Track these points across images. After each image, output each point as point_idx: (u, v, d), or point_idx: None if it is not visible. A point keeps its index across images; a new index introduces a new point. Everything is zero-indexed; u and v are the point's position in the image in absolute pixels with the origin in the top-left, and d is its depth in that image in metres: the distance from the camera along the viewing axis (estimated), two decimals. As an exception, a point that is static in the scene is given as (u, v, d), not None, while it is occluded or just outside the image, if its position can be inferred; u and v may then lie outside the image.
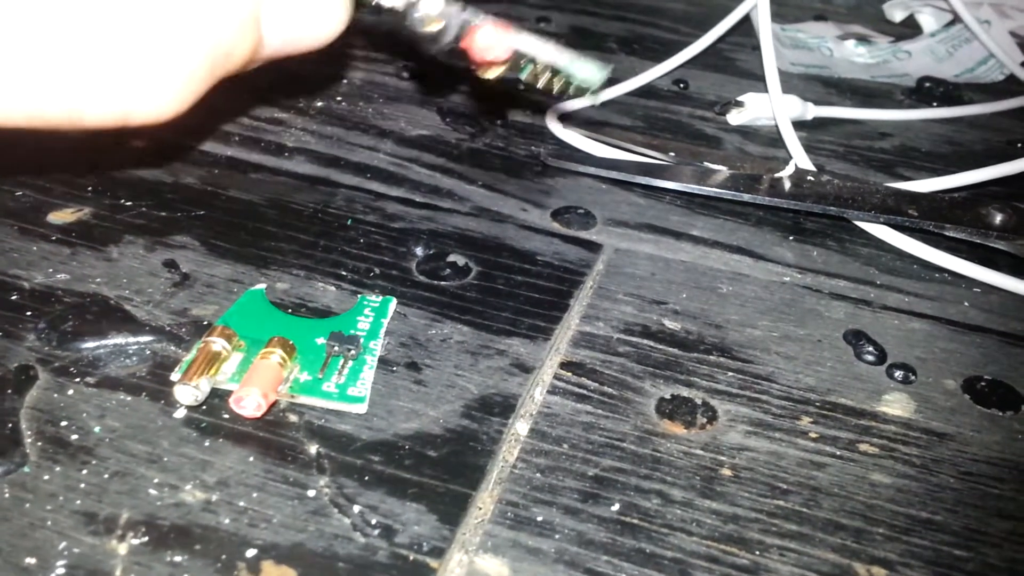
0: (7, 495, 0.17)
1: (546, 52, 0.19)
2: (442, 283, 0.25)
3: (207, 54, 0.17)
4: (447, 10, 0.18)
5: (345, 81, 0.37)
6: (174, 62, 0.16)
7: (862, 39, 0.45)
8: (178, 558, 0.16)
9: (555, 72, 0.20)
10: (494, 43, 0.19)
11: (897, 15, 0.50)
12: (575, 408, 0.21)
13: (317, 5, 0.19)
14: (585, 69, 0.20)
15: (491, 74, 0.19)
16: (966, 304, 0.27)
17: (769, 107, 0.35)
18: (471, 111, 0.36)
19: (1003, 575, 0.18)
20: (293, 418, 0.20)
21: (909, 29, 0.49)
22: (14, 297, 0.22)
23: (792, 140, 0.33)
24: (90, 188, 0.27)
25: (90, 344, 0.21)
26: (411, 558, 0.17)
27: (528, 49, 0.19)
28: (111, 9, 0.15)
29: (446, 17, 0.18)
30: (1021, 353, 0.25)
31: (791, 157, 0.33)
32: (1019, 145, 0.38)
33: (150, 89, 0.16)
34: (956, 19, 0.43)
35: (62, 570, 0.16)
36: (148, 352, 0.21)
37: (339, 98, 0.35)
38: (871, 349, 0.24)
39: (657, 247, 0.28)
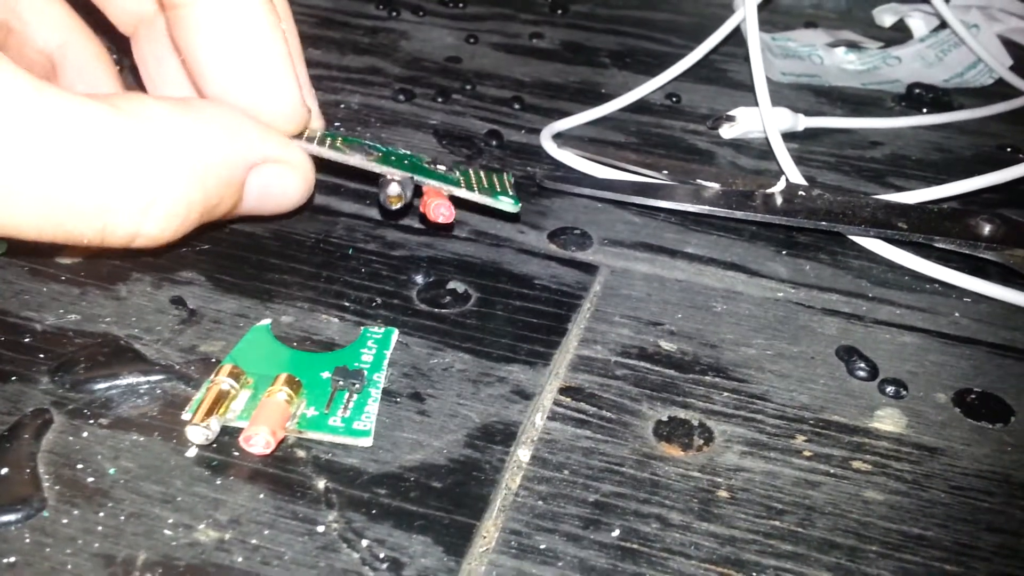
0: (28, 540, 0.18)
1: (477, 197, 0.27)
2: (443, 311, 0.26)
3: (202, 204, 0.21)
4: (404, 191, 0.25)
5: (343, 106, 0.38)
6: (177, 209, 0.21)
7: (852, 46, 0.45)
8: (194, 597, 0.17)
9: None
10: (442, 207, 0.26)
11: (887, 20, 0.50)
12: (575, 433, 0.22)
13: (286, 184, 0.24)
14: (505, 203, 0.27)
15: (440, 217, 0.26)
16: (957, 314, 0.27)
17: (760, 120, 0.36)
18: (466, 133, 0.36)
19: (993, 589, 0.19)
20: (301, 453, 0.20)
21: (899, 33, 0.50)
22: (27, 340, 0.23)
23: (783, 154, 0.34)
24: (96, 226, 0.28)
25: (102, 385, 0.22)
26: (419, 590, 0.18)
27: (465, 196, 0.26)
28: (145, 164, 0.20)
29: (405, 191, 0.25)
30: (1011, 364, 0.25)
31: (783, 171, 0.33)
32: (1008, 150, 0.38)
33: (155, 224, 0.20)
34: (944, 24, 0.44)
35: (84, 612, 0.17)
36: (159, 391, 0.22)
37: (337, 123, 0.36)
38: (863, 365, 0.25)
39: (652, 266, 0.29)
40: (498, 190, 0.27)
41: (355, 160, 0.25)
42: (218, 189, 0.22)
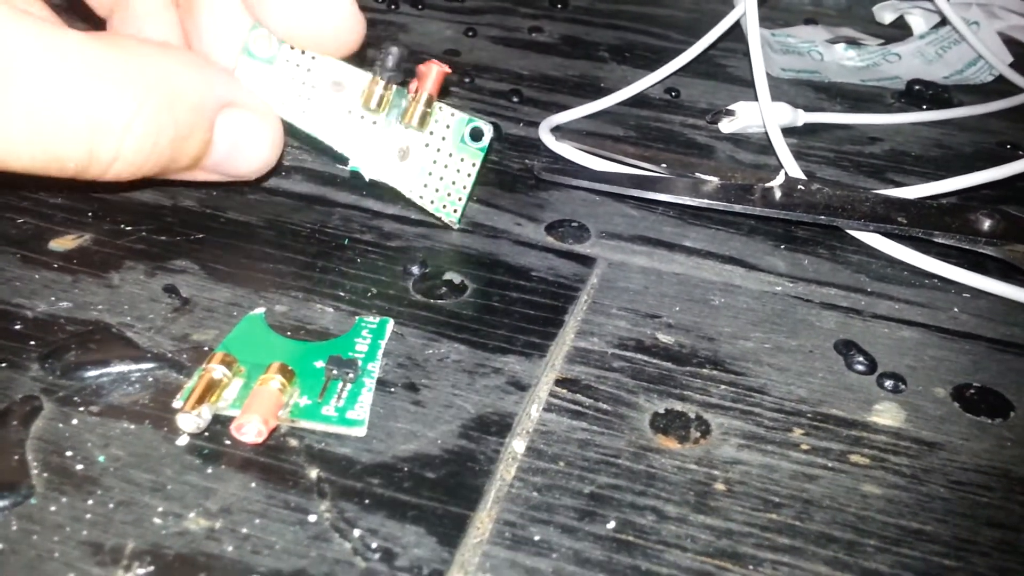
0: (15, 527, 0.18)
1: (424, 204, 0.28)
2: (438, 302, 0.25)
3: (174, 130, 0.22)
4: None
5: (339, 97, 0.37)
6: (150, 129, 0.22)
7: (852, 42, 0.45)
8: (184, 586, 0.17)
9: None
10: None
11: (887, 17, 0.50)
12: (571, 425, 0.22)
13: (254, 133, 0.25)
14: (444, 215, 0.28)
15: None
16: (956, 310, 0.27)
17: (759, 115, 0.36)
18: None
19: (992, 584, 0.19)
20: (293, 443, 0.20)
21: (899, 30, 0.49)
22: (18, 327, 0.23)
23: (782, 148, 0.34)
24: (90, 213, 0.28)
25: (93, 373, 0.21)
26: (411, 580, 0.17)
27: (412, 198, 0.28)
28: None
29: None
30: (1010, 359, 0.25)
31: (782, 166, 0.33)
32: (1008, 147, 0.38)
33: (132, 145, 0.22)
34: (944, 21, 0.43)
35: (71, 600, 0.16)
36: (150, 379, 0.22)
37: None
38: (862, 359, 0.24)
39: (650, 259, 0.28)
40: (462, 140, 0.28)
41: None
42: (188, 120, 0.23)
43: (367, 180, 0.27)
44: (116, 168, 0.22)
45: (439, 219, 0.28)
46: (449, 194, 0.28)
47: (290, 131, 0.27)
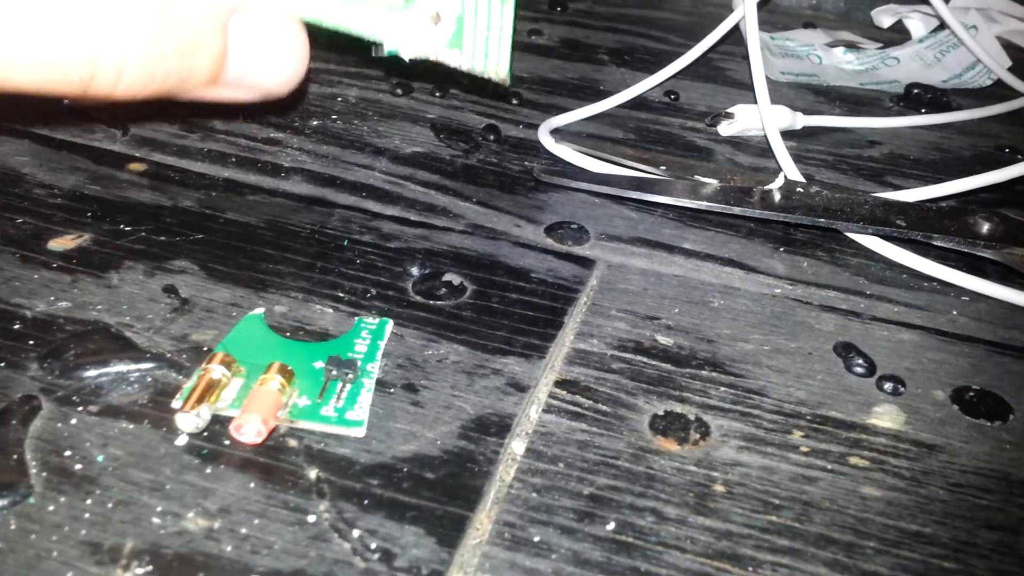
0: (13, 526, 0.17)
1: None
2: (438, 303, 0.25)
3: (180, 38, 0.21)
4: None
5: (340, 99, 0.37)
6: (156, 35, 0.20)
7: (851, 46, 0.45)
8: (182, 586, 0.17)
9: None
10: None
11: (886, 21, 0.50)
12: (570, 426, 0.22)
13: (275, 37, 0.23)
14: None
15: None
16: (955, 313, 0.27)
17: (759, 118, 0.36)
18: (464, 127, 0.36)
19: (991, 586, 0.19)
20: (293, 443, 0.20)
21: (898, 34, 0.49)
22: (16, 326, 0.23)
23: (781, 151, 0.34)
24: (90, 214, 0.28)
25: (92, 372, 0.21)
26: (411, 581, 0.17)
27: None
28: None
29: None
30: (1009, 362, 0.25)
31: (781, 168, 0.33)
32: (1007, 151, 0.38)
33: (138, 54, 0.20)
34: (943, 25, 0.44)
35: (69, 600, 0.16)
36: (149, 379, 0.22)
37: (334, 116, 0.36)
38: (861, 361, 0.24)
39: (650, 261, 0.28)
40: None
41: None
42: (197, 25, 0.21)
43: (407, 61, 0.25)
44: (125, 81, 0.21)
45: (489, 78, 0.26)
46: (492, 50, 0.26)
47: (313, 32, 0.25)
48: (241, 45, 0.23)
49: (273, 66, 0.24)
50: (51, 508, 0.18)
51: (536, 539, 0.19)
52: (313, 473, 0.19)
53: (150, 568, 0.17)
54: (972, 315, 0.27)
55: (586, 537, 0.19)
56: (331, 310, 0.25)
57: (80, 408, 0.20)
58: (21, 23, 0.20)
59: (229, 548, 0.18)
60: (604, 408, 0.22)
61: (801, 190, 0.31)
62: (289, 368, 0.21)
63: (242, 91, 0.24)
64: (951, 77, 0.44)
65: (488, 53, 0.26)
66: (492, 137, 0.35)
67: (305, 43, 0.24)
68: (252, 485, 0.19)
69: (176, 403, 0.21)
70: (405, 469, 0.20)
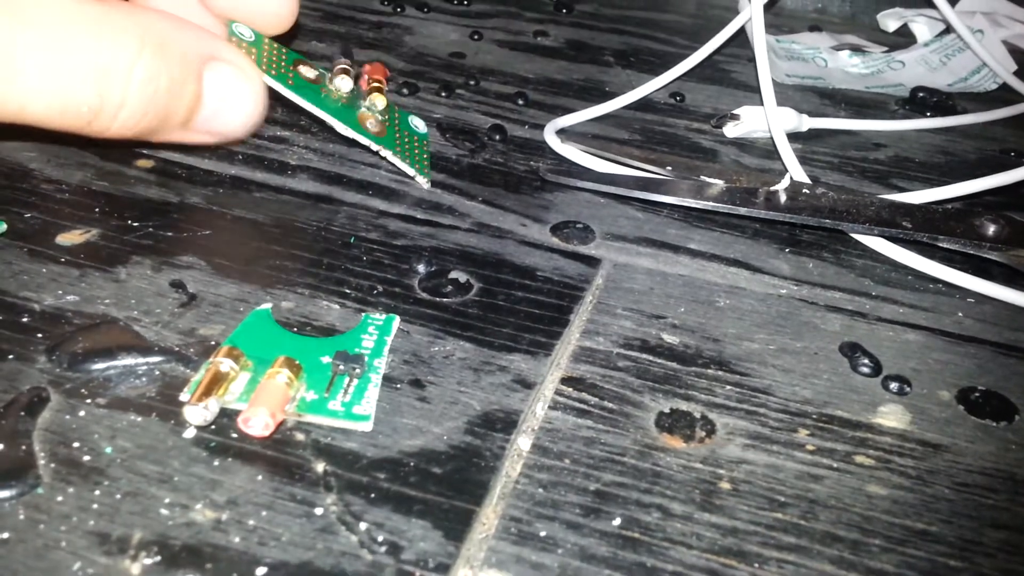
0: (22, 516, 0.18)
1: (400, 163, 0.31)
2: (444, 300, 0.25)
3: (168, 76, 0.23)
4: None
5: (346, 98, 0.37)
6: (152, 73, 0.23)
7: (856, 49, 0.45)
8: (190, 577, 0.17)
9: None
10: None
11: (891, 24, 0.50)
12: (576, 423, 0.22)
13: (240, 89, 0.26)
14: (420, 179, 0.31)
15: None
16: (960, 314, 0.27)
17: (764, 120, 0.36)
18: (470, 127, 0.36)
19: (997, 584, 0.19)
20: (300, 436, 0.20)
21: (903, 38, 0.50)
22: (25, 319, 0.23)
23: (787, 153, 0.34)
24: (98, 209, 0.28)
25: (100, 365, 0.21)
26: (417, 574, 0.17)
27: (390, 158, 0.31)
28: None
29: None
30: (1014, 363, 0.25)
31: (787, 170, 0.33)
32: (1012, 154, 0.38)
33: (137, 89, 0.23)
34: (949, 29, 0.44)
35: (77, 590, 0.16)
36: (157, 372, 0.22)
37: (340, 115, 0.36)
38: (867, 361, 0.24)
39: (655, 261, 0.29)
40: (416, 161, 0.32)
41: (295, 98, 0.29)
42: (181, 68, 0.24)
43: (340, 133, 0.30)
44: (122, 116, 0.23)
45: (411, 176, 0.31)
46: (415, 156, 0.31)
47: (274, 96, 0.28)
48: (211, 91, 0.25)
49: (236, 114, 0.26)
50: (59, 499, 0.18)
51: (542, 534, 0.19)
52: (320, 466, 0.19)
53: (158, 559, 0.17)
54: (977, 317, 0.27)
55: (592, 532, 0.19)
56: (338, 306, 0.25)
57: (88, 400, 0.20)
58: (36, 64, 0.21)
59: (237, 540, 0.18)
60: (610, 405, 0.22)
61: (807, 191, 0.31)
62: (296, 362, 0.21)
63: (206, 136, 0.26)
64: (956, 81, 0.44)
65: (412, 160, 0.31)
66: (498, 137, 0.35)
67: (264, 97, 0.27)
68: (260, 478, 0.19)
69: (184, 396, 0.21)
70: (412, 463, 0.20)
